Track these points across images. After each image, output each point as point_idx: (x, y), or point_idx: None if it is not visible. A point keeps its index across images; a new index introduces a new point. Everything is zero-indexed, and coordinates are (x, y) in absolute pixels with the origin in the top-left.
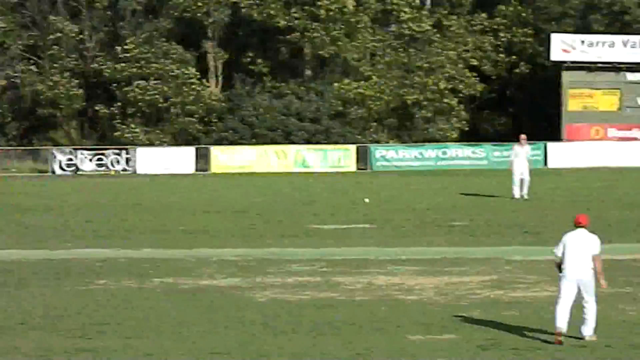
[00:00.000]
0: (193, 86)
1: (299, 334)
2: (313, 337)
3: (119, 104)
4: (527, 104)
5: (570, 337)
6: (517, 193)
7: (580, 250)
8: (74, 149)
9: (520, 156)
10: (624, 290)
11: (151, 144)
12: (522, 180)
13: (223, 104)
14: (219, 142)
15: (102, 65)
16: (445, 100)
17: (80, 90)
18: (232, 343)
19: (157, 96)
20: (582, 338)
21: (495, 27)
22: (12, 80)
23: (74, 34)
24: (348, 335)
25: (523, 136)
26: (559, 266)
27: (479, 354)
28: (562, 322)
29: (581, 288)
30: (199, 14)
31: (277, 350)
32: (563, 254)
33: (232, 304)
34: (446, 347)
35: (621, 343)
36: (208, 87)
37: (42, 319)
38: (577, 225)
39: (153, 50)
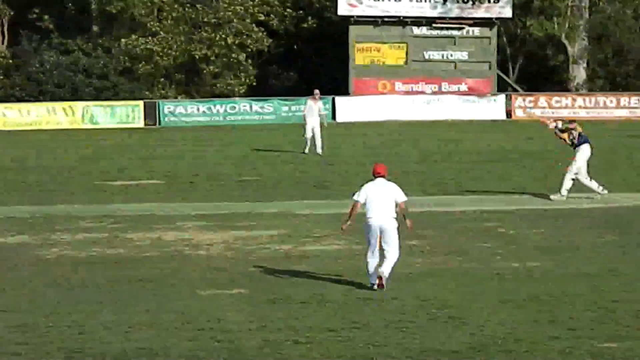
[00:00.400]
0: None
1: (88, 291)
2: (101, 294)
3: None
4: (315, 59)
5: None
6: (307, 148)
7: (381, 198)
8: None
9: (314, 111)
10: (412, 242)
11: None
12: (313, 136)
13: (9, 61)
14: (5, 99)
15: None
16: (233, 55)
17: None
18: (20, 301)
19: None
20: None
21: None
22: None
23: None
24: (136, 291)
25: (317, 91)
26: (350, 212)
27: (268, 307)
28: (374, 273)
29: (383, 236)
30: None
31: (65, 307)
32: (365, 203)
33: (21, 262)
34: (235, 301)
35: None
36: None
37: None
38: (376, 175)
39: None
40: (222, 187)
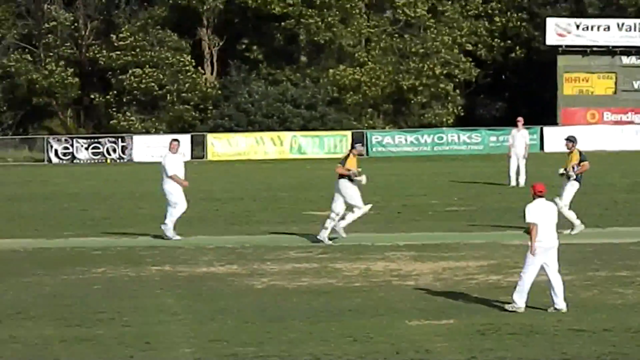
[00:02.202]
0: (188, 74)
1: (297, 321)
2: (310, 324)
3: (115, 92)
4: (522, 89)
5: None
6: (513, 179)
7: (549, 219)
8: (70, 137)
9: (518, 140)
10: (621, 273)
11: (147, 132)
12: (518, 166)
13: (218, 92)
14: (214, 129)
15: (98, 53)
16: (441, 85)
17: (76, 79)
18: (230, 330)
19: (152, 84)
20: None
21: (490, 11)
22: (7, 69)
23: (68, 23)
24: (346, 321)
25: (520, 119)
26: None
27: (477, 338)
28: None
29: (548, 260)
30: (193, 1)
31: (275, 336)
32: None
33: (230, 292)
34: (445, 332)
35: (618, 327)
36: (203, 74)
37: (39, 308)
38: (538, 194)
39: (148, 38)
40: (430, 217)
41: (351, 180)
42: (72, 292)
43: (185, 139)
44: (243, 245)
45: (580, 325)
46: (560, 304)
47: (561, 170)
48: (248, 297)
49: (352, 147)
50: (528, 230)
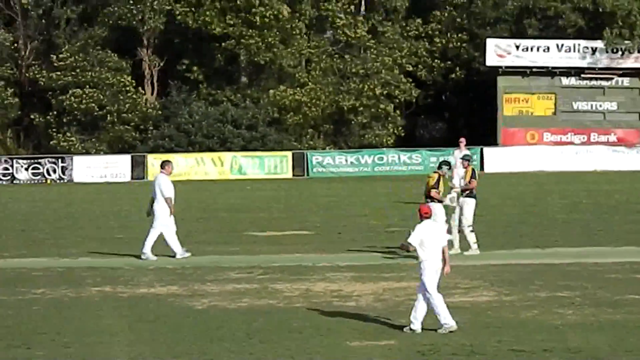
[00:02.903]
0: (129, 94)
1: (237, 341)
2: (251, 345)
3: (55, 112)
4: (463, 109)
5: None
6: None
7: (436, 241)
8: (10, 157)
9: (458, 161)
10: (561, 294)
11: (87, 153)
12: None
13: (159, 112)
14: (155, 150)
15: (38, 73)
16: (382, 106)
17: (16, 99)
18: (171, 351)
19: (92, 104)
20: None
21: (430, 32)
22: None
23: (8, 43)
24: (287, 342)
25: (462, 140)
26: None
27: (417, 359)
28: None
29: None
30: (133, 22)
31: (216, 357)
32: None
33: (170, 312)
34: (385, 352)
35: (558, 347)
36: (144, 94)
37: None
38: (425, 216)
39: (88, 58)
40: (370, 238)
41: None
42: (12, 313)
43: (125, 160)
44: (184, 266)
45: (520, 345)
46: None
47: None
48: (189, 317)
49: (439, 167)
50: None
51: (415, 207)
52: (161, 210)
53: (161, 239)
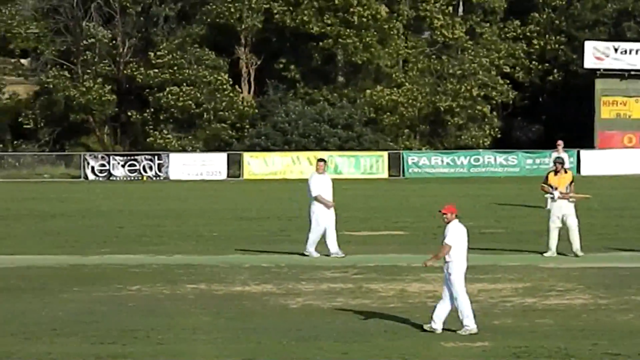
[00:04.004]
0: (225, 92)
1: (331, 341)
2: (345, 344)
3: (152, 109)
4: (560, 112)
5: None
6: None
7: (465, 242)
8: (107, 154)
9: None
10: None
11: (183, 150)
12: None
13: (255, 110)
14: (251, 148)
15: (135, 71)
16: (478, 107)
17: (113, 96)
18: (265, 349)
19: (189, 102)
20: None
21: (528, 34)
22: (45, 85)
23: (107, 40)
24: (381, 342)
25: (560, 142)
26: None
27: None
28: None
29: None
30: (231, 20)
31: (310, 357)
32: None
33: (264, 311)
34: (480, 354)
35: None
36: (240, 93)
37: (74, 324)
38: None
39: (186, 56)
40: None
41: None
42: (107, 309)
43: (221, 158)
44: (278, 265)
45: (615, 349)
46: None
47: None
48: (283, 316)
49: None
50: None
51: (511, 209)
52: (314, 209)
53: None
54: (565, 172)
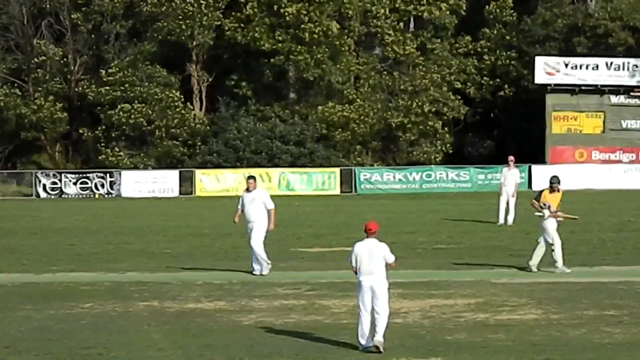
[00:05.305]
0: (177, 109)
1: (284, 358)
2: None
3: (103, 127)
4: (511, 127)
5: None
6: (502, 218)
7: (371, 259)
8: (58, 172)
9: (509, 179)
10: (609, 312)
11: (135, 167)
12: (507, 205)
13: (207, 127)
14: (203, 165)
15: (87, 88)
16: (430, 123)
17: (65, 114)
18: None
19: (141, 119)
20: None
21: (479, 49)
22: None
23: (58, 58)
24: (334, 358)
25: (511, 158)
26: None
27: None
28: (365, 339)
29: (373, 297)
30: (183, 37)
31: None
32: (356, 263)
33: (218, 328)
34: None
35: None
36: (192, 110)
37: (27, 342)
38: (368, 233)
39: (137, 73)
40: (418, 255)
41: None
42: (60, 327)
43: (173, 175)
44: (231, 282)
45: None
46: (377, 337)
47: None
48: (236, 333)
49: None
50: None
51: (463, 225)
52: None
53: None
54: (558, 190)
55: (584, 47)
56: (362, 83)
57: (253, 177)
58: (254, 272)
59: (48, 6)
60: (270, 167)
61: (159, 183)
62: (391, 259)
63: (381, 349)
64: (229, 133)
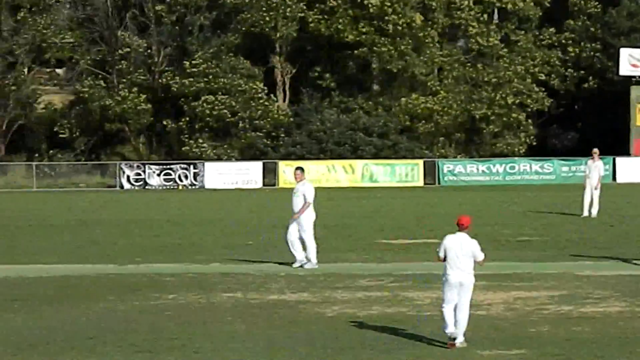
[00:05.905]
0: (260, 101)
1: (367, 349)
2: (381, 352)
3: (187, 118)
4: (595, 119)
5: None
6: (586, 210)
7: (462, 254)
8: (142, 163)
9: (593, 172)
10: None
11: (219, 159)
12: (592, 198)
13: (290, 119)
14: (286, 156)
15: (170, 80)
16: (513, 115)
17: (149, 105)
18: (302, 358)
19: (224, 111)
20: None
21: (563, 41)
22: (81, 95)
23: (142, 49)
24: (418, 351)
25: (595, 150)
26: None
27: None
28: (452, 326)
29: (459, 292)
30: (266, 29)
31: None
32: (445, 257)
33: (301, 319)
34: None
35: None
36: (276, 101)
37: (111, 333)
38: (460, 227)
39: (221, 65)
40: (501, 247)
41: None
42: (144, 319)
43: (257, 166)
44: (314, 273)
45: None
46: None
47: None
48: (319, 324)
49: None
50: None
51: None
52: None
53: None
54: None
55: None
56: (446, 75)
57: (300, 169)
58: (294, 264)
59: None
60: (354, 159)
61: (243, 174)
62: (480, 257)
63: (457, 345)
64: (312, 125)
